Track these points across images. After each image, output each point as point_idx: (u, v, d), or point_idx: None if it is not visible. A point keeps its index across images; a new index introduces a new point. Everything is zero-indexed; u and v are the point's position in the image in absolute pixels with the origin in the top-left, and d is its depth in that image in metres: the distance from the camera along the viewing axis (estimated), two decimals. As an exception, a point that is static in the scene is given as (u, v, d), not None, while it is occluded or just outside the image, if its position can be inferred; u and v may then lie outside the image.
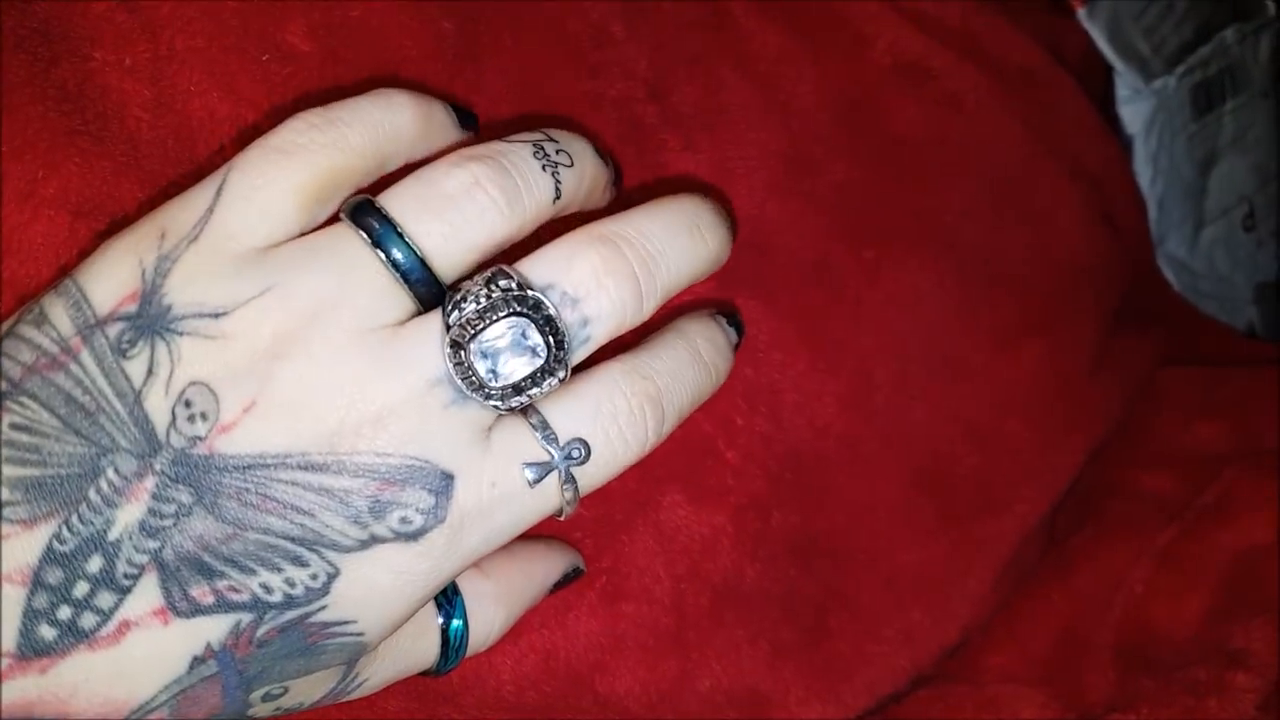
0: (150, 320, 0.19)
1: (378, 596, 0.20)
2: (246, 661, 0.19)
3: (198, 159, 0.25)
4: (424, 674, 0.24)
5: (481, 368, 0.20)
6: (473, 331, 0.19)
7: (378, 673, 0.22)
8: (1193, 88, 0.50)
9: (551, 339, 0.20)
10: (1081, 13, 0.47)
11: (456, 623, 0.23)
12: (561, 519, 0.22)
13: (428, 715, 0.26)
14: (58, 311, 0.19)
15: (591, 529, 0.29)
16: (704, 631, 0.30)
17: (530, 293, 0.20)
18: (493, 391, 0.20)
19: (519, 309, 0.20)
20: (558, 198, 0.21)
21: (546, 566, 0.26)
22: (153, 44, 0.25)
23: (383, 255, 0.20)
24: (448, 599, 0.23)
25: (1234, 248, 0.51)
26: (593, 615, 0.28)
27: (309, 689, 0.21)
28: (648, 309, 0.21)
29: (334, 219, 0.21)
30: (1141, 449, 0.38)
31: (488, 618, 0.24)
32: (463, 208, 0.20)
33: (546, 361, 0.20)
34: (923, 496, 0.34)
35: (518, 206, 0.20)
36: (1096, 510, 0.37)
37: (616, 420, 0.21)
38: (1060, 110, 0.42)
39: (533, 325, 0.20)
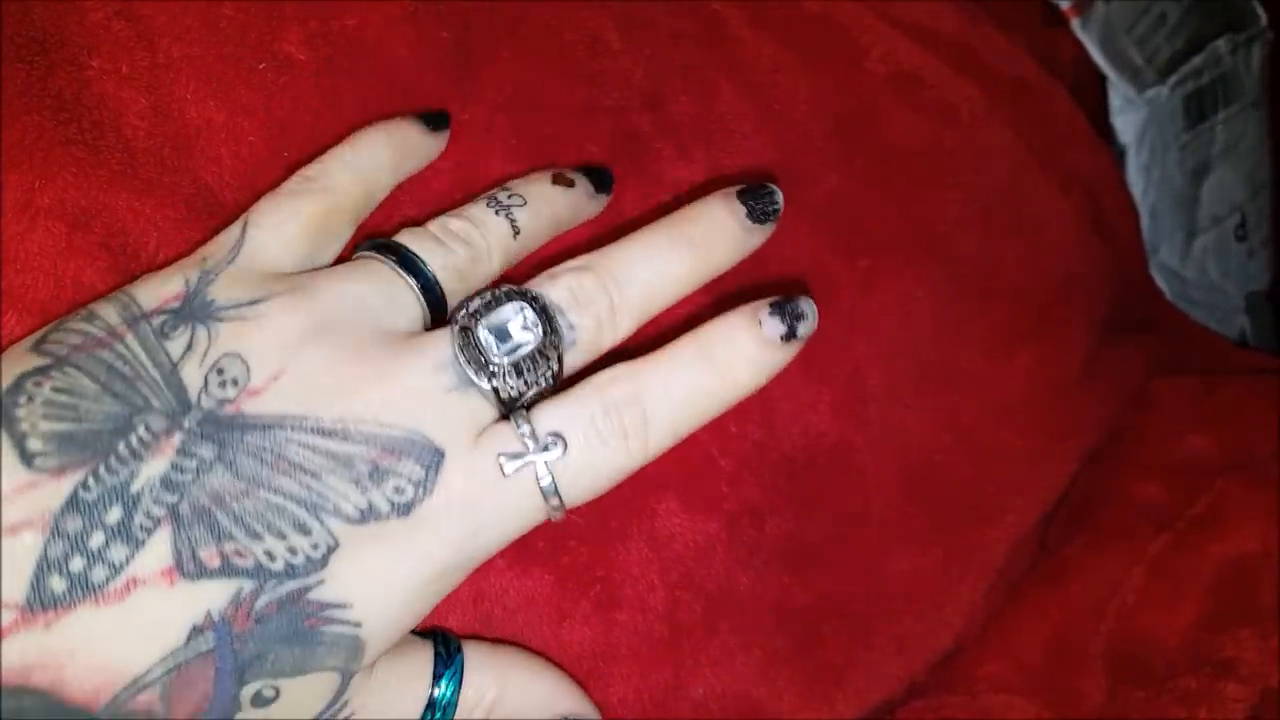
0: (192, 311, 0.21)
1: (374, 579, 0.20)
2: (243, 639, 0.19)
3: (194, 168, 0.25)
4: None
5: (488, 342, 0.22)
6: (480, 316, 0.22)
7: (367, 706, 0.22)
8: (1185, 98, 0.50)
9: (547, 323, 0.22)
10: (1075, 23, 0.48)
11: (448, 683, 0.23)
12: (553, 521, 0.22)
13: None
14: (106, 309, 0.21)
15: (586, 537, 0.29)
16: (697, 639, 0.30)
17: (527, 288, 0.23)
18: (495, 369, 0.22)
19: (520, 298, 0.23)
20: (517, 232, 0.25)
21: (554, 684, 0.26)
22: (150, 52, 0.26)
23: (405, 272, 0.23)
24: (447, 652, 0.24)
25: (1226, 257, 0.51)
26: (586, 623, 0.28)
27: (300, 701, 0.20)
28: (624, 327, 0.24)
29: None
30: (1133, 458, 0.39)
31: (481, 684, 0.24)
32: (451, 247, 0.24)
33: (543, 342, 0.22)
34: (915, 505, 0.34)
35: (483, 244, 0.25)
36: (1088, 519, 0.37)
37: (594, 421, 0.22)
38: (1053, 120, 0.42)
39: (531, 309, 0.22)
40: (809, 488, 0.33)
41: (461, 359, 0.22)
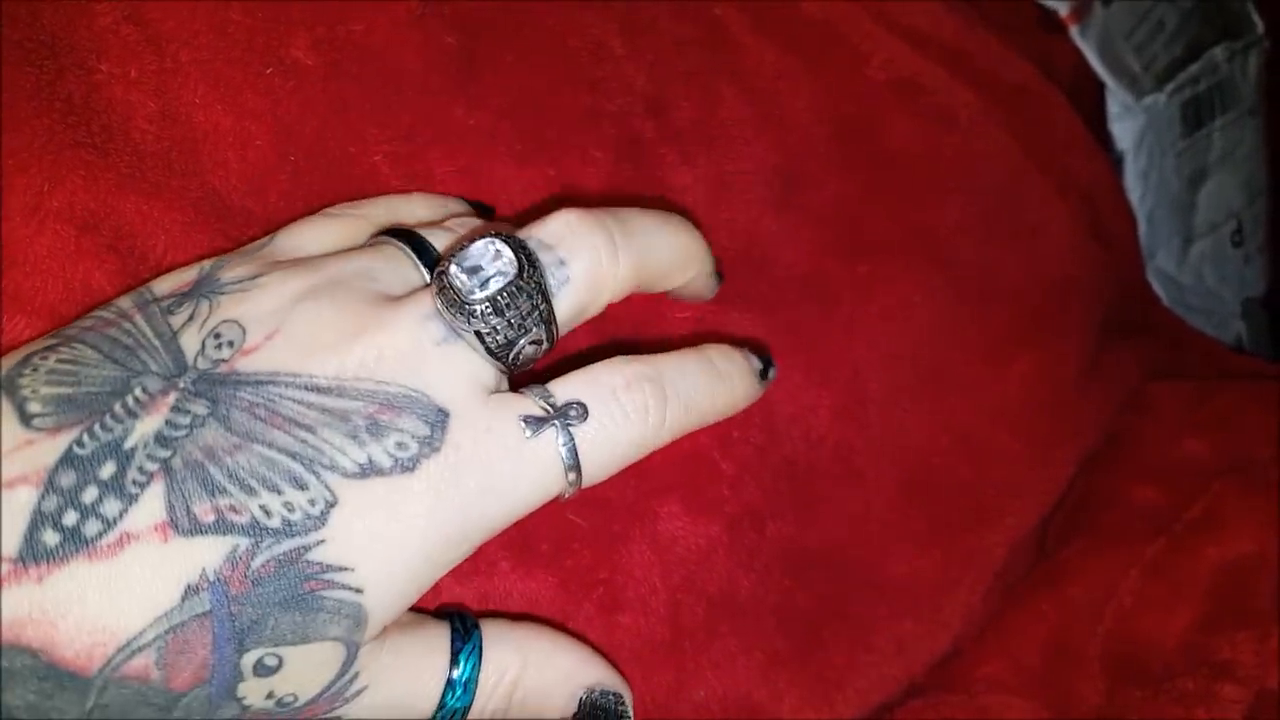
0: (199, 290, 0.22)
1: (376, 542, 0.20)
2: (240, 602, 0.19)
3: (202, 171, 0.26)
4: None
5: (461, 279, 0.21)
6: (452, 257, 0.22)
7: (377, 684, 0.21)
8: (1182, 105, 0.51)
9: (524, 256, 0.21)
10: (1074, 30, 0.48)
11: (467, 660, 0.23)
12: (565, 499, 0.22)
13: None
14: (123, 299, 0.22)
15: (589, 539, 0.29)
16: (699, 641, 0.30)
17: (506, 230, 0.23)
18: (473, 307, 0.21)
19: (491, 234, 0.22)
20: None
21: (578, 656, 0.25)
22: (158, 56, 0.26)
23: (412, 250, 0.23)
24: (464, 628, 0.23)
25: (1222, 263, 0.51)
26: (590, 626, 0.29)
27: (304, 671, 0.20)
28: (624, 267, 0.23)
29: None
30: (1131, 461, 0.39)
31: (502, 660, 0.23)
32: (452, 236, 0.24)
33: (520, 275, 0.21)
34: (914, 507, 0.35)
35: None
36: (1086, 522, 0.37)
37: (615, 394, 0.22)
38: (1051, 126, 0.43)
39: (503, 243, 0.22)
40: (809, 491, 0.33)
41: (440, 304, 0.21)
